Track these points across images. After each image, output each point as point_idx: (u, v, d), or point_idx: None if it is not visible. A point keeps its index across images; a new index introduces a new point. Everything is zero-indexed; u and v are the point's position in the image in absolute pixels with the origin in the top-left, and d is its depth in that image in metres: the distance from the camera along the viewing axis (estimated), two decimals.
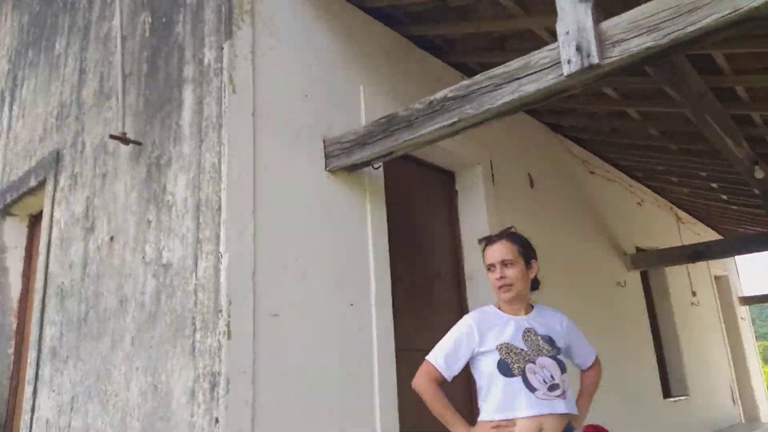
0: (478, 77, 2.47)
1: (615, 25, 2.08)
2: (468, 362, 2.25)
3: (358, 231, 3.10)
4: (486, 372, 2.17)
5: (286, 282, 2.63)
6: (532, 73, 2.28)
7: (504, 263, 2.25)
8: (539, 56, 2.27)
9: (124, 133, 3.05)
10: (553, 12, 2.24)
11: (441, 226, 4.27)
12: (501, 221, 4.33)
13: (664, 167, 6.28)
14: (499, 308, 2.31)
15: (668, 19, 1.97)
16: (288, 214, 2.74)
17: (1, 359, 4.13)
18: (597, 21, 2.12)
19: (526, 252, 2.32)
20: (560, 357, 2.17)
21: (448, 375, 2.22)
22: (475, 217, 4.25)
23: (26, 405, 3.44)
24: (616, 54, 2.07)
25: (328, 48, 3.25)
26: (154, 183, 2.90)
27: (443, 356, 2.22)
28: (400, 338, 3.25)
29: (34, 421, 3.32)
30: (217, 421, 2.24)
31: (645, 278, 7.41)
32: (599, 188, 6.12)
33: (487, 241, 2.36)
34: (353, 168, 3.02)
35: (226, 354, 2.30)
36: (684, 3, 1.94)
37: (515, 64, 2.35)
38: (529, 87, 2.28)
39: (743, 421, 8.51)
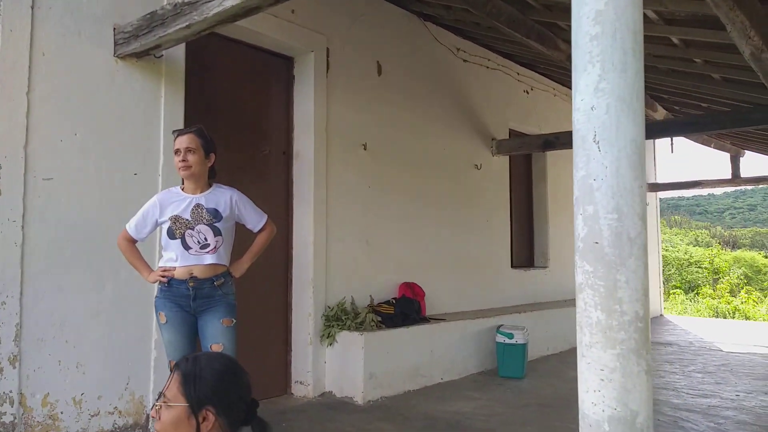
0: None
1: None
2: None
3: (150, 110, 3.65)
4: (163, 235, 2.89)
5: (63, 153, 3.24)
6: None
7: (188, 150, 2.84)
8: None
9: None
10: None
11: (277, 109, 4.80)
12: (332, 108, 4.86)
13: (546, 58, 6.60)
14: (182, 189, 2.94)
15: None
16: (68, 95, 3.28)
17: None
18: None
19: (207, 146, 2.90)
20: (217, 224, 2.84)
21: (138, 237, 2.95)
22: (306, 102, 4.76)
23: None
24: None
25: None
26: None
27: (134, 224, 2.92)
28: None
29: None
30: None
31: (528, 162, 8.03)
32: (473, 76, 6.51)
33: (179, 132, 2.92)
34: (140, 55, 3.50)
35: None
36: None
37: None
38: (228, 3, 2.73)
39: None
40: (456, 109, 6.26)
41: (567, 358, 6.38)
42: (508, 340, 5.39)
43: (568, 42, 4.93)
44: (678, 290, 19.85)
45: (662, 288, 11.42)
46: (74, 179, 3.29)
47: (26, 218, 3.09)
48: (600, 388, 1.37)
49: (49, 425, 3.08)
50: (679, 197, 38.55)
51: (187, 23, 2.97)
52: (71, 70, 3.31)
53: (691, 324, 10.06)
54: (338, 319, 4.60)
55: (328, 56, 4.85)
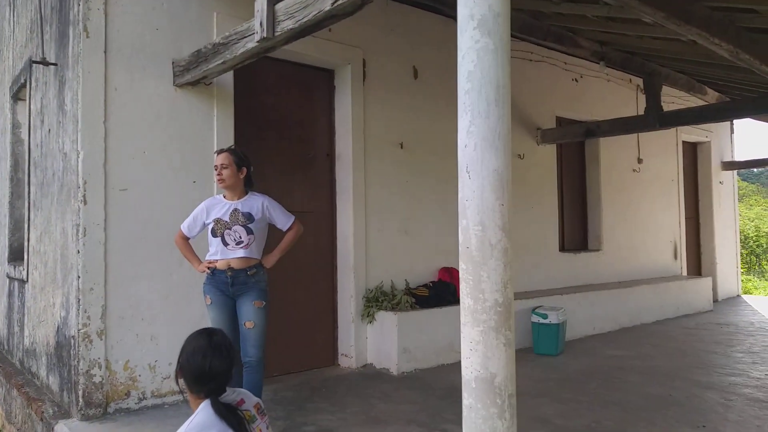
0: (231, 32, 3.52)
1: (278, 9, 3.07)
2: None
3: (204, 128, 4.35)
4: (208, 234, 3.54)
5: (134, 168, 4.01)
6: (249, 35, 3.32)
7: (222, 166, 3.47)
8: (253, 23, 3.28)
9: (44, 58, 4.37)
10: None
11: (321, 116, 5.41)
12: (369, 112, 5.40)
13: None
14: (224, 197, 3.59)
15: (298, 10, 2.94)
16: (137, 120, 4.04)
17: (22, 203, 5.91)
18: (271, 4, 3.10)
19: (239, 161, 3.51)
20: (250, 225, 3.46)
21: (190, 235, 3.62)
22: (345, 109, 5.33)
23: (24, 234, 5.22)
24: (278, 31, 3.08)
25: None
26: (61, 95, 4.26)
27: (186, 225, 3.60)
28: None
29: (30, 243, 5.07)
30: (79, 252, 3.79)
31: (581, 148, 8.18)
32: (515, 69, 6.74)
33: (218, 152, 3.55)
34: (193, 84, 4.20)
35: (83, 213, 3.79)
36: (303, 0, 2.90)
37: (246, 25, 3.38)
38: (249, 45, 3.34)
39: (683, 273, 9.44)
40: None
41: (610, 338, 6.62)
42: (542, 320, 5.74)
43: (591, 39, 5.17)
44: None
45: (739, 269, 11.05)
46: (144, 189, 4.06)
47: (107, 222, 3.89)
48: (470, 355, 1.85)
49: (130, 385, 3.90)
50: None
51: (222, 60, 3.60)
52: (139, 100, 4.06)
53: None
54: (377, 301, 5.18)
55: (364, 66, 5.38)
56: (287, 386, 4.55)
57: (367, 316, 5.15)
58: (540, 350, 5.73)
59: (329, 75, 5.44)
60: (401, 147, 5.63)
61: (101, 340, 3.79)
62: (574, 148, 8.07)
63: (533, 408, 4.01)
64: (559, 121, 7.44)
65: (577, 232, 8.03)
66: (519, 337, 5.96)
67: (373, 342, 5.18)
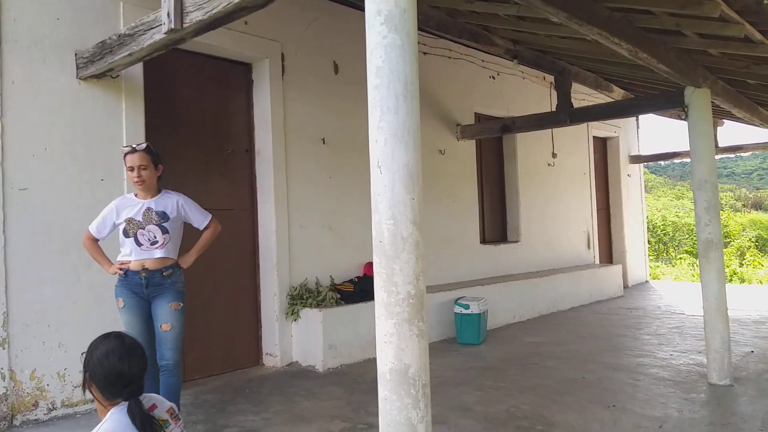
0: (138, 22, 3.37)
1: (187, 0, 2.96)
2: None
3: (112, 123, 4.16)
4: (120, 235, 3.38)
5: (35, 166, 3.78)
6: (157, 26, 3.20)
7: (141, 167, 3.33)
8: (161, 13, 3.16)
9: None
10: None
11: (239, 111, 5.29)
12: (289, 107, 5.33)
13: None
14: (135, 195, 3.44)
15: (207, 1, 2.86)
16: (38, 115, 3.80)
17: None
18: None
19: (155, 159, 3.38)
20: (165, 224, 3.34)
21: (99, 237, 3.44)
22: (264, 104, 5.23)
23: None
24: (187, 22, 2.98)
25: None
26: None
27: (96, 226, 3.42)
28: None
29: None
30: None
31: (499, 143, 8.42)
32: (434, 67, 6.89)
33: (131, 150, 3.39)
34: (99, 77, 4.00)
35: None
36: None
37: (153, 15, 3.25)
38: (156, 36, 3.21)
39: (596, 261, 9.93)
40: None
41: (529, 325, 6.87)
42: (464, 311, 5.88)
43: (505, 38, 5.32)
44: (687, 255, 19.83)
45: (647, 256, 11.75)
46: (47, 188, 3.83)
47: (6, 224, 3.65)
48: (384, 348, 1.87)
49: (38, 395, 3.69)
50: None
51: (129, 52, 3.45)
52: (39, 93, 3.82)
53: (675, 289, 10.40)
54: (301, 298, 5.13)
55: (283, 60, 5.30)
56: (209, 389, 4.44)
57: (292, 314, 5.10)
58: (463, 340, 5.86)
59: (247, 69, 5.32)
60: (323, 142, 5.60)
61: (4, 349, 3.56)
62: (493, 144, 8.30)
63: (455, 397, 4.10)
64: (478, 117, 7.63)
65: (497, 224, 8.27)
66: (443, 327, 6.08)
67: (298, 340, 5.13)
